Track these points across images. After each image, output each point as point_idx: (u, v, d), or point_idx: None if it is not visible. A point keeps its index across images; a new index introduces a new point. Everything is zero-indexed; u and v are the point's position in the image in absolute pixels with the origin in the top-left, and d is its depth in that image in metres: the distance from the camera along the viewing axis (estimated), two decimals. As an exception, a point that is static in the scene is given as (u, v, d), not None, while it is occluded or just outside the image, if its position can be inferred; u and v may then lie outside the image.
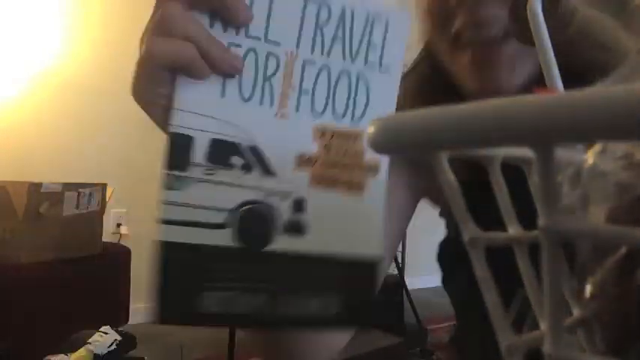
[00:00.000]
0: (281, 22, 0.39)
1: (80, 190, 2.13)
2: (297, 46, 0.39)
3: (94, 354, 1.66)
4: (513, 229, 0.21)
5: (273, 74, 0.39)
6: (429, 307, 3.36)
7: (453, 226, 0.77)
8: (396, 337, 2.33)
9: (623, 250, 0.19)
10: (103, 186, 2.24)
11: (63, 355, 1.62)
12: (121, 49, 2.81)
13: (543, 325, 0.18)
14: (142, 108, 0.39)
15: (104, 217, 2.28)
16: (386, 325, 2.39)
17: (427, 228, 3.79)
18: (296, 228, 0.40)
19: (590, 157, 0.21)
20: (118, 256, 2.35)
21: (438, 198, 0.76)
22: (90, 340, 1.70)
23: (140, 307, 2.80)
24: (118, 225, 2.78)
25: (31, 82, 2.61)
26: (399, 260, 3.29)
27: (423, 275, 3.94)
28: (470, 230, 0.18)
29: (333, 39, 0.40)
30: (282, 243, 0.39)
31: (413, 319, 2.47)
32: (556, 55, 0.27)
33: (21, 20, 2.57)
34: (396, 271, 2.54)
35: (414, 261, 3.89)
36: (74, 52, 2.71)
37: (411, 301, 2.46)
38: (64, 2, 2.67)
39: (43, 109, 2.63)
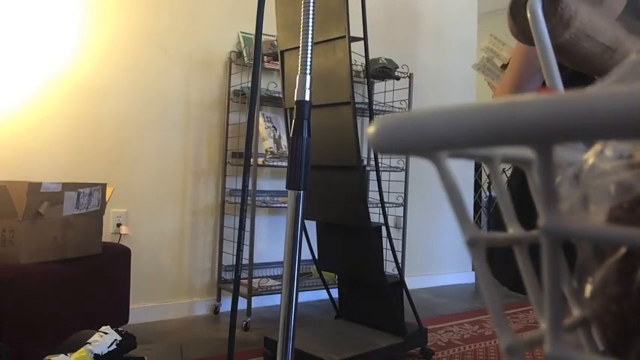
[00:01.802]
0: None
1: (80, 190, 2.13)
2: None
3: (94, 354, 1.66)
4: (513, 229, 0.21)
5: None
6: (429, 307, 3.37)
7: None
8: (396, 337, 2.33)
9: (623, 250, 0.19)
10: (103, 186, 2.24)
11: (63, 355, 1.62)
12: (120, 52, 2.81)
13: (543, 325, 0.17)
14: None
15: (104, 217, 2.28)
16: (386, 325, 2.39)
17: (428, 228, 3.77)
18: None
19: (590, 157, 0.21)
20: (118, 256, 2.35)
21: None
22: (90, 340, 1.70)
23: (140, 307, 2.80)
24: (118, 225, 2.78)
25: (31, 83, 2.61)
26: (399, 260, 3.29)
27: (423, 275, 3.94)
28: (470, 230, 0.18)
29: None
30: None
31: (413, 319, 2.46)
32: (556, 55, 0.27)
33: (30, 24, 2.57)
34: (396, 271, 2.54)
35: (414, 261, 3.89)
36: (74, 54, 2.72)
37: (411, 301, 2.46)
38: (75, 6, 2.67)
39: (44, 110, 2.64)
